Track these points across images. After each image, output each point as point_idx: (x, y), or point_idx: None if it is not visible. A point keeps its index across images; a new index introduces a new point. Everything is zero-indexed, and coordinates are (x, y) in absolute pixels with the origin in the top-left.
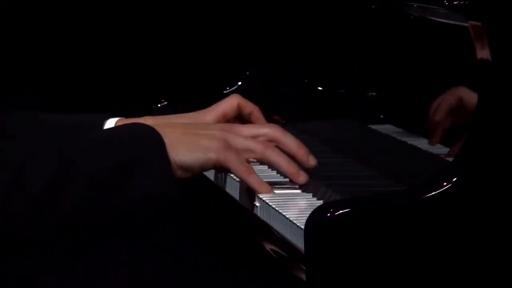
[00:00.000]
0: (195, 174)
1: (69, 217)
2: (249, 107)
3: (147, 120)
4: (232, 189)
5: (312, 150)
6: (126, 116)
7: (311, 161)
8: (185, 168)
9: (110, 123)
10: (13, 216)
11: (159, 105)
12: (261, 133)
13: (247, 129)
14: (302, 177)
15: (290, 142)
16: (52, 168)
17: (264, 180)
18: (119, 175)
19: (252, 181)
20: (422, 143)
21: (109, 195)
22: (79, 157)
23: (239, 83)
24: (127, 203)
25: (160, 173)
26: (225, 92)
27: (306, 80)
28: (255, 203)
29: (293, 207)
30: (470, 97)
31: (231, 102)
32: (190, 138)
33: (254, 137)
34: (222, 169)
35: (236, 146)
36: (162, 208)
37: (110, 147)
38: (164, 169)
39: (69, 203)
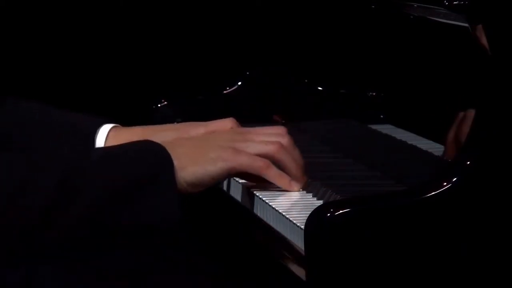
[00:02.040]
0: (209, 186)
1: (67, 235)
2: None
3: (136, 131)
4: (232, 189)
5: (312, 150)
6: (125, 116)
7: (295, 187)
8: (196, 184)
9: (104, 130)
10: (11, 233)
11: (159, 105)
12: (270, 141)
13: (257, 137)
14: (296, 187)
15: (292, 160)
16: (52, 187)
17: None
18: (121, 198)
19: (270, 175)
20: (422, 143)
21: (109, 218)
22: (82, 177)
23: (239, 83)
24: (129, 224)
25: (166, 198)
26: (225, 92)
27: (306, 80)
28: (255, 203)
29: (293, 207)
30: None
31: (224, 125)
32: (198, 152)
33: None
34: (239, 175)
35: (247, 151)
36: (165, 229)
37: (116, 168)
38: (170, 194)
39: (67, 223)
